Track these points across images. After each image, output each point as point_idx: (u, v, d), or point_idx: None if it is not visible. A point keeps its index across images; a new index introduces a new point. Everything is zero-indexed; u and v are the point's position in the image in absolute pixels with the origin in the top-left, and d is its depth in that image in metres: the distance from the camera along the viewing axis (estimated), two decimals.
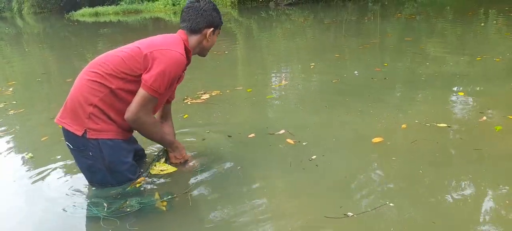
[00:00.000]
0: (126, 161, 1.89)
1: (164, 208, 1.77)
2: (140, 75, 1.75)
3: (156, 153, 2.17)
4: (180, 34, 1.91)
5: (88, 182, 1.98)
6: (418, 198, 1.73)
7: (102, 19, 18.23)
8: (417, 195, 1.76)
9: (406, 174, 1.94)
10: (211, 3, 1.93)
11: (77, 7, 22.42)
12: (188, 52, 1.89)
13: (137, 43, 1.84)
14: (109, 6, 20.84)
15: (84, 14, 20.75)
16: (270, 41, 7.57)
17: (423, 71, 3.84)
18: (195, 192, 1.90)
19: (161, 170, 2.04)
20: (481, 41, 5.48)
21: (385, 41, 6.19)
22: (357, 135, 2.44)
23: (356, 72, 4.17)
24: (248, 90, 3.72)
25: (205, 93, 3.63)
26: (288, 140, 2.38)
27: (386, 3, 13.23)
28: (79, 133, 1.75)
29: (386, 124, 2.55)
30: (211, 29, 1.92)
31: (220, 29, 1.99)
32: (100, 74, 1.76)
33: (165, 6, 19.35)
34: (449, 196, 1.73)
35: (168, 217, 1.74)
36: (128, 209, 1.75)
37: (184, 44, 1.87)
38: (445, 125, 2.43)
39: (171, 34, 1.93)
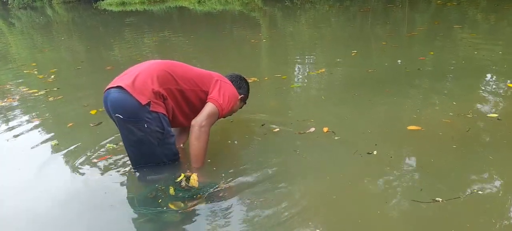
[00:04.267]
0: (173, 134, 2.04)
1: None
2: (204, 91, 2.04)
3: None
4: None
5: (132, 159, 2.04)
6: (506, 188, 1.69)
7: (128, 8, 18.51)
8: (502, 184, 1.72)
9: (476, 161, 1.93)
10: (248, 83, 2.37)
11: None
12: None
13: (208, 71, 2.17)
14: None
15: (111, 3, 21.09)
16: (304, 29, 7.51)
17: (471, 61, 3.74)
18: (257, 187, 1.88)
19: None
20: None
21: (433, 28, 5.93)
22: (403, 123, 2.41)
23: (399, 61, 4.08)
24: (283, 77, 3.73)
25: None
26: (334, 132, 2.38)
27: None
28: (144, 102, 1.82)
29: (436, 113, 2.52)
30: (242, 96, 2.27)
31: (245, 103, 2.36)
32: (175, 70, 1.98)
33: None
34: None
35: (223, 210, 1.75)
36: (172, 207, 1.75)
37: None
38: (495, 115, 2.38)
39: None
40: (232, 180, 1.95)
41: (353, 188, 1.81)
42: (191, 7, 16.05)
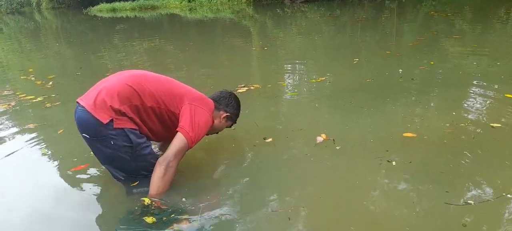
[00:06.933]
0: (148, 145, 1.97)
1: None
2: (172, 112, 1.97)
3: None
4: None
5: (112, 174, 2.01)
6: None
7: (119, 14, 18.44)
8: None
9: (493, 166, 1.99)
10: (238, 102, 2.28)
11: (94, 2, 22.69)
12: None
13: (183, 87, 2.07)
14: (126, 2, 21.07)
15: (101, 9, 21.01)
16: (299, 38, 7.61)
17: (471, 71, 3.83)
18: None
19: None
20: None
21: (432, 38, 6.02)
22: (404, 131, 2.47)
23: (400, 70, 4.17)
24: (283, 84, 3.79)
25: (244, 86, 3.71)
26: (334, 140, 2.43)
27: (403, 0, 13.11)
28: (105, 121, 1.79)
29: (438, 121, 2.58)
30: (228, 115, 2.20)
31: (234, 123, 2.28)
32: (142, 85, 1.91)
33: (181, 3, 19.50)
34: None
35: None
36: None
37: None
38: (497, 125, 2.46)
39: (208, 99, 2.14)
40: (237, 191, 1.96)
41: (381, 193, 1.83)
42: (182, 15, 16.09)
